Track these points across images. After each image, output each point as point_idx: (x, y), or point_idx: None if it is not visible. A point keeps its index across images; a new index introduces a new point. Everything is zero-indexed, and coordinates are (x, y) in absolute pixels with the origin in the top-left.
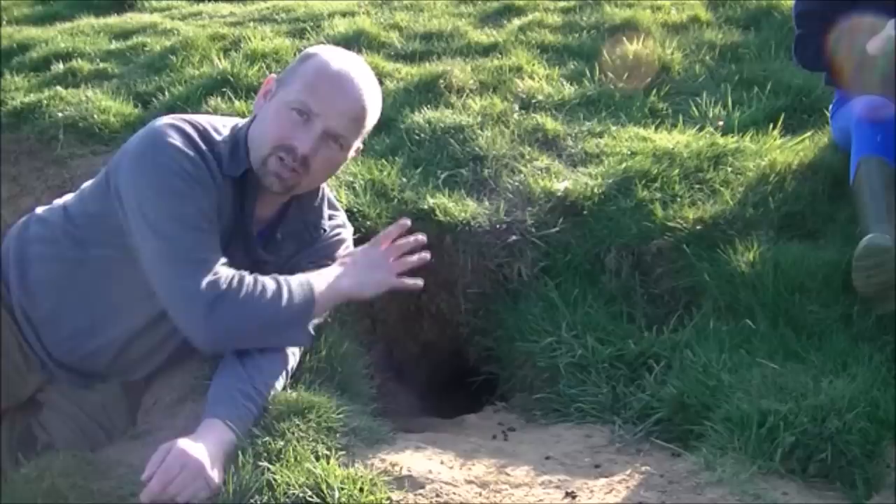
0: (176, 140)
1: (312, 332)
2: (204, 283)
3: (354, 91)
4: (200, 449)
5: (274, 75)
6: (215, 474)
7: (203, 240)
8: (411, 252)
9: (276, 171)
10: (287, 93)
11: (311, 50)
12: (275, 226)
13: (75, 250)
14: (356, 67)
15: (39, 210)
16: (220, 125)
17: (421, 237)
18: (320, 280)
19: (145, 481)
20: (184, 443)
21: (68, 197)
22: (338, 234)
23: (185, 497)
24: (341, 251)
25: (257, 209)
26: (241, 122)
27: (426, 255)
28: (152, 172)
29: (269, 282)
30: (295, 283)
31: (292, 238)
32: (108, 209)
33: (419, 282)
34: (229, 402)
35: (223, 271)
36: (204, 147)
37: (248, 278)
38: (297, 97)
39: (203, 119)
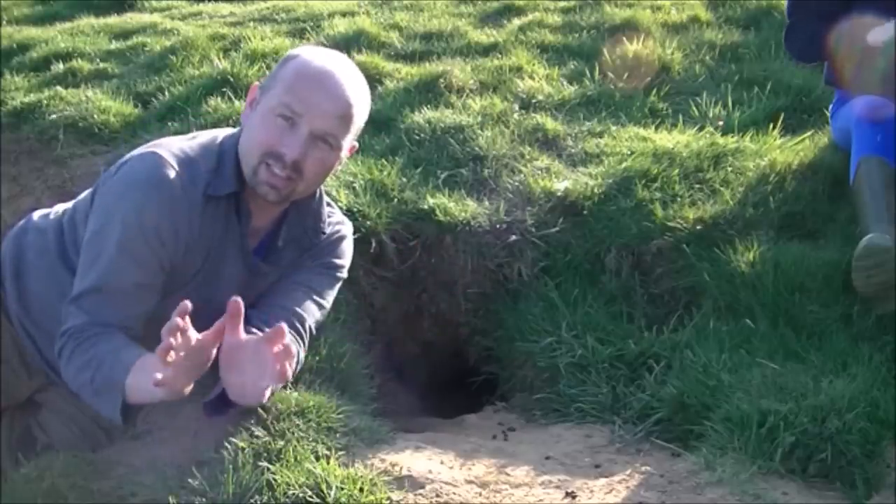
0: (146, 190)
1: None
2: (65, 330)
3: (337, 88)
4: None
5: (257, 83)
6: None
7: (114, 296)
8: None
9: (267, 180)
10: (270, 98)
11: (291, 52)
12: (275, 234)
13: (67, 274)
14: (338, 64)
15: (37, 216)
16: (211, 141)
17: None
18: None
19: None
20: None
21: (68, 205)
22: (337, 231)
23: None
24: (343, 247)
25: (255, 220)
26: (229, 133)
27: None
28: (115, 209)
29: (91, 354)
30: (117, 363)
31: (293, 244)
32: None
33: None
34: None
35: (84, 328)
36: (183, 187)
37: (86, 334)
38: (279, 101)
39: (194, 143)
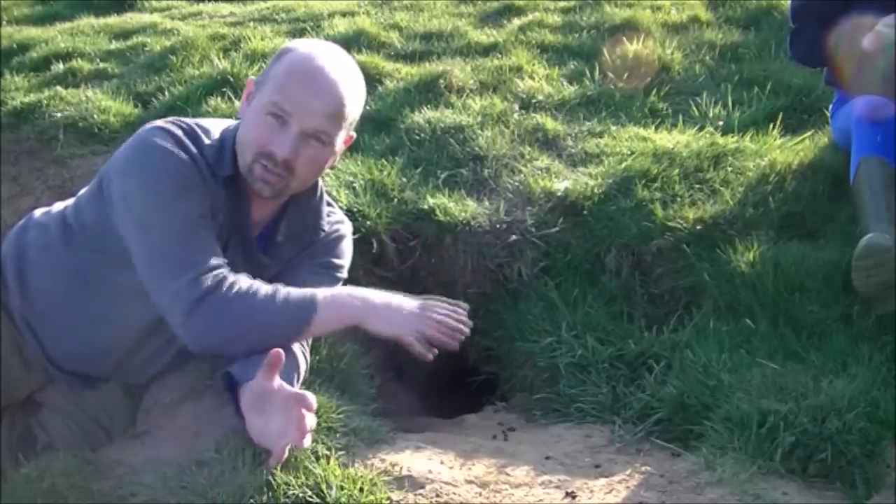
0: (165, 143)
1: (306, 348)
2: (187, 281)
3: (328, 86)
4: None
5: (253, 78)
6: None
7: (191, 238)
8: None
9: (261, 177)
10: (262, 96)
11: (286, 46)
12: (274, 228)
13: (73, 263)
14: (330, 60)
15: (38, 213)
16: (211, 126)
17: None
18: (332, 294)
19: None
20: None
21: (69, 202)
22: (337, 230)
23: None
24: (342, 247)
25: (254, 212)
26: (231, 123)
27: (454, 343)
28: (141, 174)
29: (263, 286)
30: (296, 291)
31: (293, 240)
32: (103, 217)
33: (429, 355)
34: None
35: (213, 272)
36: (193, 149)
37: (240, 279)
38: (270, 99)
39: (193, 121)
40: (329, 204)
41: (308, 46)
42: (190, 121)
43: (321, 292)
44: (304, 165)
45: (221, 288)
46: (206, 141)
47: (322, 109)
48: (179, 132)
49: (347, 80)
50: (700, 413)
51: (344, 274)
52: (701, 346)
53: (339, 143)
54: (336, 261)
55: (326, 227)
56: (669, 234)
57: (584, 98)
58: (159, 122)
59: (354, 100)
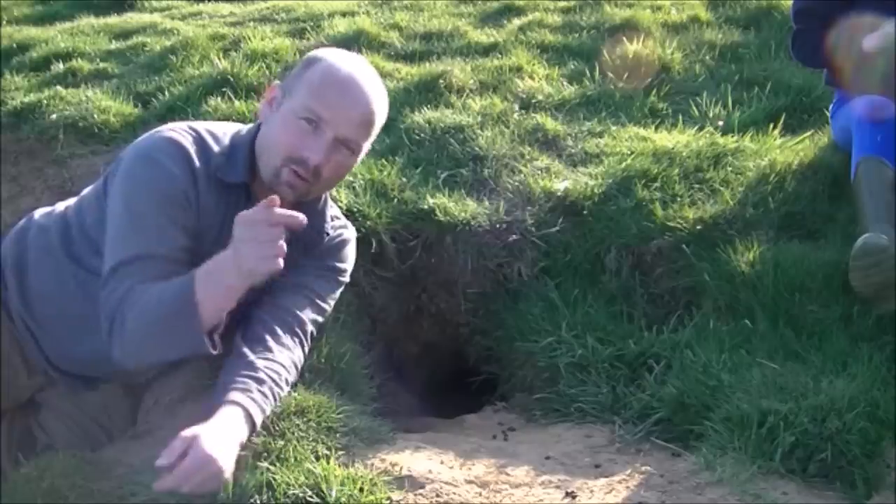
0: (167, 157)
1: (213, 340)
2: (112, 307)
3: (363, 96)
4: (223, 449)
5: (277, 82)
6: (230, 474)
7: (143, 266)
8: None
9: (289, 181)
10: (293, 101)
11: (315, 54)
12: None
13: (72, 266)
14: (362, 71)
15: (38, 214)
16: (222, 131)
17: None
18: (204, 277)
19: (162, 469)
20: (207, 441)
21: (70, 202)
22: (340, 234)
23: (197, 492)
24: (346, 251)
25: None
26: (243, 128)
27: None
28: (134, 186)
29: (151, 287)
30: (177, 284)
31: (296, 243)
32: (104, 218)
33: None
34: (249, 393)
35: (131, 289)
36: (197, 163)
37: (136, 290)
38: (304, 105)
39: (205, 126)
40: (333, 208)
41: (339, 56)
42: (201, 127)
43: (198, 280)
44: (330, 172)
45: (122, 309)
46: (216, 149)
47: (357, 118)
48: (187, 142)
49: (378, 92)
50: (700, 413)
51: (347, 278)
52: (701, 346)
53: (362, 154)
54: (339, 265)
55: (331, 232)
56: (669, 234)
57: (584, 98)
58: (169, 132)
59: (383, 111)
